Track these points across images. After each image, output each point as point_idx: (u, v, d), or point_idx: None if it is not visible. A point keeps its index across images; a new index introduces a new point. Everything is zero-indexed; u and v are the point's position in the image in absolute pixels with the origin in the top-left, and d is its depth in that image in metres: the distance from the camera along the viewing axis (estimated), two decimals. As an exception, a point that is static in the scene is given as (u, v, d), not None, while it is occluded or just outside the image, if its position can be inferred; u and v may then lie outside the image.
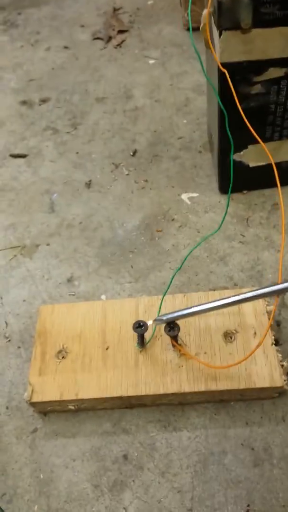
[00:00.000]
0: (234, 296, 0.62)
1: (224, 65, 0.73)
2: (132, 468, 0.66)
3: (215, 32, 0.73)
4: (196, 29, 1.39)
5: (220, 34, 0.72)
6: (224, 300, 0.63)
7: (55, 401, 0.68)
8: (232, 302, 0.62)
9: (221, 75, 0.73)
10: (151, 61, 1.29)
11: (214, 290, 0.81)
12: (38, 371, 0.71)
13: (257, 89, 0.80)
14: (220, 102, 0.76)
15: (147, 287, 0.84)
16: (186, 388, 0.67)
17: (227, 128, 0.69)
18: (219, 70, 0.74)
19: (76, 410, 0.70)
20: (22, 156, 1.10)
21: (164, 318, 0.67)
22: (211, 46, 0.73)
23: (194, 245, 0.88)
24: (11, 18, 1.54)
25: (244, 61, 0.76)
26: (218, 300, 0.64)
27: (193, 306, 0.65)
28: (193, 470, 0.65)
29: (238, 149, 0.87)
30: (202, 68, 0.71)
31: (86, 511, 0.63)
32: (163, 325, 0.69)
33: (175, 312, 0.67)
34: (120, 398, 0.68)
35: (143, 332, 0.68)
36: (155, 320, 0.68)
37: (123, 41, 1.38)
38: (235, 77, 0.76)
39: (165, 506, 0.63)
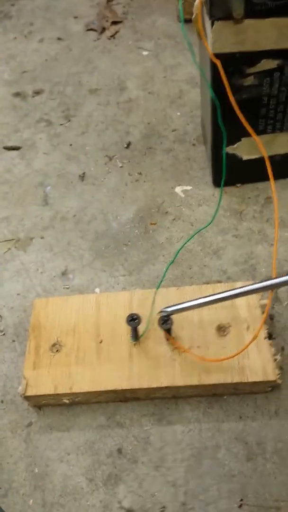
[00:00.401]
0: (239, 288, 0.61)
1: (216, 56, 0.71)
2: (126, 462, 0.65)
3: (208, 22, 0.71)
4: (188, 20, 1.37)
5: (212, 24, 0.70)
6: (230, 291, 0.62)
7: (50, 395, 0.67)
8: (238, 293, 0.61)
9: (213, 66, 0.72)
10: (145, 53, 1.27)
11: (208, 283, 0.79)
12: (32, 365, 0.70)
13: (250, 81, 0.78)
14: (212, 93, 0.74)
15: (141, 280, 0.83)
16: (180, 381, 0.66)
17: (220, 120, 0.67)
18: (211, 61, 0.72)
19: (70, 404, 0.69)
20: (16, 148, 1.07)
21: (169, 310, 0.66)
22: (203, 36, 0.70)
23: (187, 238, 0.87)
24: (4, 9, 1.50)
25: (237, 52, 0.74)
26: (223, 292, 0.63)
27: (198, 298, 0.64)
28: (187, 464, 0.64)
29: (231, 142, 0.85)
30: (193, 60, 0.69)
31: (80, 505, 0.62)
32: (157, 319, 0.68)
33: (180, 304, 0.66)
34: (114, 391, 0.67)
35: (136, 326, 0.67)
36: (160, 312, 0.67)
37: (116, 32, 1.35)
38: (228, 69, 0.74)
39: (159, 500, 0.62)
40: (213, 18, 0.69)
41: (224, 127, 0.67)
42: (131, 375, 0.67)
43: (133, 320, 0.67)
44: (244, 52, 0.74)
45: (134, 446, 0.66)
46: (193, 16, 0.69)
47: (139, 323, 0.67)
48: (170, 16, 1.37)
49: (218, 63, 0.69)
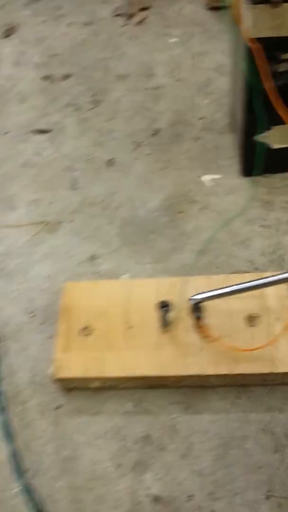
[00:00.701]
0: (269, 277, 0.59)
1: (253, 41, 0.67)
2: (154, 449, 0.62)
3: (246, 7, 0.67)
4: (217, 8, 1.31)
5: (250, 9, 0.65)
6: (260, 280, 0.59)
7: (80, 378, 0.65)
8: (268, 282, 0.59)
9: (249, 52, 0.67)
10: (173, 40, 1.22)
11: (235, 273, 0.76)
12: (63, 348, 0.67)
13: (284, 67, 0.74)
14: (249, 80, 0.70)
15: (168, 268, 0.80)
16: (209, 370, 0.64)
17: (257, 106, 0.63)
18: (246, 47, 0.68)
19: (98, 388, 0.67)
20: (45, 131, 1.04)
21: (199, 297, 0.63)
22: (243, 20, 0.66)
23: (215, 228, 0.83)
24: (34, -8, 1.44)
25: (273, 37, 0.69)
26: (253, 280, 0.60)
27: (227, 286, 0.62)
28: (214, 454, 0.62)
29: (262, 130, 0.81)
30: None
31: (108, 490, 0.60)
32: (186, 307, 0.65)
33: (210, 292, 0.63)
34: (142, 378, 0.65)
35: (167, 313, 0.64)
36: (189, 299, 0.64)
37: (144, 18, 1.30)
38: (264, 54, 0.69)
39: (186, 489, 0.60)
40: (252, 2, 0.65)
41: (255, 115, 0.63)
42: (160, 362, 0.65)
43: (164, 307, 0.64)
44: (281, 38, 0.70)
45: (161, 433, 0.63)
46: (229, 1, 0.65)
47: (169, 310, 0.64)
48: (197, 3, 1.31)
49: (257, 47, 0.65)
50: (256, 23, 0.68)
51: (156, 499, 0.59)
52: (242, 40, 0.72)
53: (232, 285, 0.64)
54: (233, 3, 0.73)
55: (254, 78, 0.68)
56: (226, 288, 0.64)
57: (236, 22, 0.74)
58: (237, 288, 0.64)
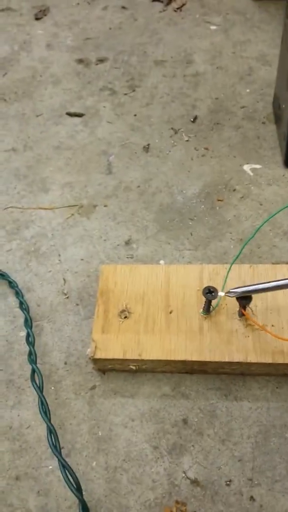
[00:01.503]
0: None
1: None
2: (191, 433, 0.66)
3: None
4: (261, -3, 1.35)
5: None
6: None
7: (118, 360, 0.69)
8: None
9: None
10: (213, 27, 1.27)
11: (277, 264, 0.80)
12: (101, 329, 0.71)
13: None
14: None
15: (207, 255, 0.84)
16: (252, 358, 0.67)
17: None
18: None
19: (136, 371, 0.71)
20: (79, 115, 1.09)
21: (239, 290, 0.66)
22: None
23: (256, 218, 0.87)
24: (67, -26, 1.51)
25: None
26: None
27: (272, 281, 0.65)
28: (254, 441, 0.65)
29: (311, 121, 0.86)
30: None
31: (144, 471, 0.64)
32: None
33: (248, 286, 0.67)
34: (183, 362, 0.68)
35: (213, 299, 0.68)
36: (228, 292, 0.67)
37: (183, 4, 1.35)
38: None
39: (225, 473, 0.63)
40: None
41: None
42: (202, 348, 0.68)
43: (209, 292, 0.68)
44: None
45: (199, 418, 0.67)
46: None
47: (215, 296, 0.68)
48: (240, -9, 1.37)
49: None
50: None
51: (194, 482, 0.62)
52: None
53: (275, 280, 0.66)
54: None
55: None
56: (268, 283, 0.66)
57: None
58: (280, 284, 0.66)
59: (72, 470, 0.61)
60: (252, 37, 1.23)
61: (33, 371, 0.69)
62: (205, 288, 0.68)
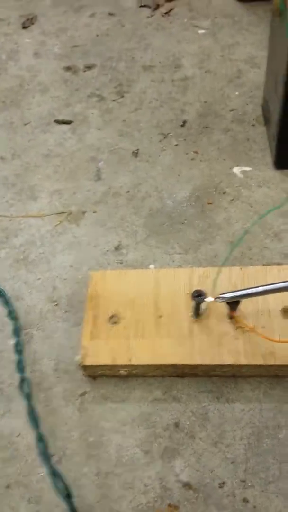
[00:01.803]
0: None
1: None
2: (183, 436, 0.67)
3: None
4: (248, 0, 1.39)
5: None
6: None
7: (108, 365, 0.70)
8: None
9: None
10: (201, 31, 1.30)
11: (268, 265, 0.82)
12: (90, 335, 0.73)
13: None
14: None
15: (197, 259, 0.85)
16: (243, 360, 0.69)
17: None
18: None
19: (126, 376, 0.72)
20: (67, 122, 1.11)
21: (228, 296, 0.68)
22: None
23: (246, 220, 0.89)
24: (54, -18, 1.54)
25: None
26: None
27: (260, 286, 0.67)
28: (247, 442, 0.66)
29: (299, 121, 0.88)
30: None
31: (136, 475, 0.65)
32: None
33: (237, 291, 0.68)
34: (174, 366, 0.70)
35: (202, 302, 0.70)
36: (216, 298, 0.69)
37: (171, 9, 1.38)
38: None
39: (217, 476, 0.64)
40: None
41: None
42: (192, 351, 0.70)
43: (199, 296, 0.69)
44: None
45: (191, 421, 0.68)
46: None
47: (203, 299, 0.70)
48: (227, -6, 1.40)
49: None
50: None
51: (187, 485, 0.64)
52: (281, 32, 0.79)
53: (263, 285, 0.68)
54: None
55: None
56: (257, 288, 0.68)
57: (277, 13, 0.81)
58: (268, 289, 0.68)
59: (62, 477, 0.62)
60: (240, 39, 1.25)
61: (22, 380, 0.71)
62: (194, 291, 0.70)
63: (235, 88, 1.13)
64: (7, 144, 1.07)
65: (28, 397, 0.70)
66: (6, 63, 1.28)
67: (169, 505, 0.62)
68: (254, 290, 0.68)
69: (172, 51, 1.25)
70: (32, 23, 1.41)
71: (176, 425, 0.68)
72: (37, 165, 1.03)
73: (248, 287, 0.69)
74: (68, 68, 1.25)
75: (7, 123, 1.12)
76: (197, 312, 0.72)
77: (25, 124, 1.12)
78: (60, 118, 1.12)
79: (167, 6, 1.39)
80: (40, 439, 0.66)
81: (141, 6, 1.41)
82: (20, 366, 0.73)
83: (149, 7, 1.40)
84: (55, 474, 0.63)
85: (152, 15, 1.38)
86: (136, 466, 0.66)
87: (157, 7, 1.40)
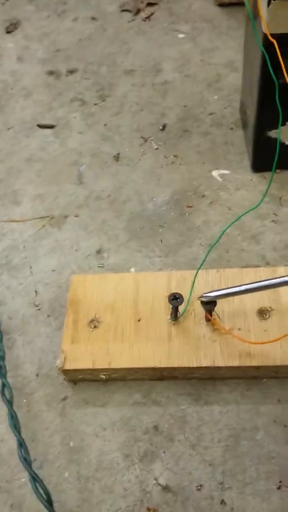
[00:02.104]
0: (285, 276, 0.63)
1: (270, 36, 0.72)
2: (162, 439, 0.66)
3: (263, 3, 0.72)
4: (227, 4, 1.37)
5: (268, 4, 0.70)
6: (277, 279, 0.63)
7: (88, 370, 0.69)
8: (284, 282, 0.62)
9: (267, 47, 0.72)
10: (181, 36, 1.27)
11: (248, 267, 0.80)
12: (70, 339, 0.71)
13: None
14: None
15: (177, 262, 0.84)
16: (220, 362, 0.67)
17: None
18: (265, 41, 0.73)
19: (106, 380, 0.71)
20: (50, 126, 1.09)
21: (211, 295, 0.67)
22: (261, 15, 0.71)
23: (225, 222, 0.88)
24: (37, -13, 1.51)
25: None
26: (269, 279, 0.64)
27: (243, 285, 0.66)
28: (225, 444, 0.65)
29: (275, 126, 0.86)
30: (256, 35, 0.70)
31: (116, 479, 0.64)
32: (197, 299, 0.69)
33: (223, 289, 0.67)
34: (152, 369, 0.68)
35: (178, 305, 0.68)
36: (200, 298, 0.68)
37: (152, 14, 1.36)
38: (280, 50, 0.74)
39: (195, 478, 0.63)
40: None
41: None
42: (170, 354, 0.69)
43: (175, 299, 0.68)
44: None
45: (170, 424, 0.67)
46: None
47: (181, 302, 0.68)
48: (207, -1, 1.38)
49: (274, 43, 0.70)
50: (273, 19, 0.72)
51: (166, 488, 0.62)
52: (258, 35, 0.77)
53: (246, 284, 0.67)
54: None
55: (269, 74, 0.72)
56: (239, 287, 0.67)
57: (252, 16, 0.79)
58: (251, 287, 0.67)
59: (43, 483, 0.60)
60: (219, 44, 1.23)
61: (3, 385, 0.69)
62: (171, 294, 0.69)
63: (214, 92, 1.12)
64: (-10, 149, 1.05)
65: (9, 402, 0.68)
66: (-10, 68, 1.25)
67: (148, 509, 0.61)
68: (237, 289, 0.66)
69: (153, 55, 1.23)
70: (16, 28, 1.38)
71: (156, 428, 0.67)
72: (20, 170, 1.01)
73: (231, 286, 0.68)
74: (51, 73, 1.22)
75: (-9, 128, 1.10)
76: (175, 315, 0.71)
77: (8, 129, 1.10)
78: (43, 122, 1.10)
79: (148, 10, 1.37)
80: (21, 444, 0.64)
81: (122, 10, 1.39)
82: (2, 372, 0.71)
83: (130, 11, 1.38)
84: (35, 480, 0.62)
85: (133, 20, 1.36)
86: (116, 470, 0.64)
87: (138, 11, 1.38)
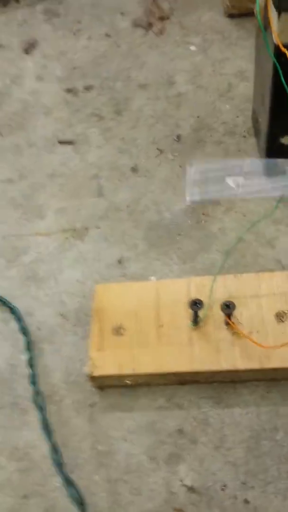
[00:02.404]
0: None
1: (281, 46, 0.72)
2: (186, 441, 0.67)
3: (273, 14, 0.72)
4: (238, 15, 1.37)
5: (279, 15, 0.70)
6: None
7: (114, 376, 0.70)
8: None
9: (279, 57, 0.72)
10: (192, 48, 1.27)
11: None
12: (97, 347, 0.72)
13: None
14: (276, 84, 0.75)
15: (195, 269, 0.84)
16: (240, 365, 0.68)
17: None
18: (276, 51, 0.72)
19: (132, 385, 0.71)
20: (70, 142, 1.10)
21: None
22: (272, 26, 0.71)
23: (240, 229, 0.88)
24: (52, 7, 1.52)
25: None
26: None
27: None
28: (246, 445, 0.65)
29: (286, 132, 0.86)
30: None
31: (143, 482, 0.65)
32: (216, 304, 0.70)
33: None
34: (175, 374, 0.69)
35: (199, 310, 0.69)
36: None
37: (163, 28, 1.36)
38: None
39: (219, 479, 0.63)
40: (281, 9, 0.70)
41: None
42: (192, 359, 0.69)
43: (196, 304, 0.69)
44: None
45: (193, 427, 0.68)
46: (257, 9, 0.70)
47: (201, 307, 0.69)
48: (216, 11, 1.37)
49: (287, 53, 0.70)
50: (284, 29, 0.72)
51: (191, 489, 0.63)
52: (269, 45, 0.77)
53: None
54: (260, 10, 0.77)
55: (281, 83, 0.72)
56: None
57: (262, 27, 0.79)
58: None
59: (76, 486, 0.61)
60: (230, 54, 1.23)
61: (36, 393, 0.71)
62: (191, 300, 0.69)
63: (226, 102, 1.12)
64: (14, 166, 1.07)
65: (42, 409, 0.70)
66: (11, 87, 1.27)
67: (175, 509, 0.61)
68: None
69: (166, 69, 1.24)
70: (34, 48, 1.40)
71: (180, 431, 0.67)
72: (43, 185, 1.02)
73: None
74: (69, 90, 1.24)
75: (14, 146, 1.11)
76: (195, 321, 0.71)
77: (31, 146, 1.11)
78: (63, 138, 1.11)
79: (160, 25, 1.37)
80: (54, 450, 0.66)
81: (135, 26, 1.40)
82: (33, 380, 0.73)
83: (142, 27, 1.39)
84: (68, 483, 0.63)
85: (146, 35, 1.36)
86: (144, 473, 0.65)
87: (150, 26, 1.38)
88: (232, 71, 1.18)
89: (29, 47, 1.40)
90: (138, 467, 0.66)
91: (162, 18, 1.39)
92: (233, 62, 1.21)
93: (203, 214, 0.92)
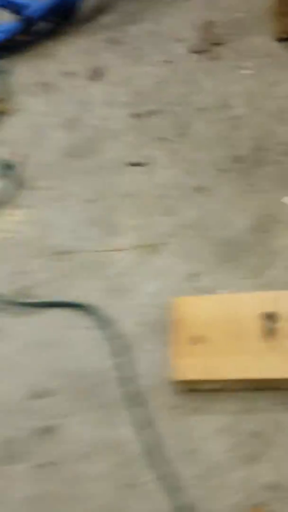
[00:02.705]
0: None
1: None
2: (264, 443, 0.69)
3: None
4: (286, 39, 1.36)
5: None
6: None
7: (195, 381, 0.73)
8: None
9: None
10: (246, 72, 1.28)
11: None
12: (178, 355, 0.75)
13: None
14: None
15: (262, 283, 0.86)
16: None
17: None
18: None
19: (211, 390, 0.74)
20: (139, 164, 1.13)
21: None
22: None
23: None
24: (115, 36, 1.55)
25: None
26: None
27: None
28: None
29: None
30: None
31: (224, 478, 0.67)
32: None
33: None
34: (251, 380, 0.71)
35: (273, 323, 0.71)
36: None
37: (218, 53, 1.37)
38: None
39: (296, 477, 0.66)
40: None
41: None
42: (268, 367, 0.71)
43: (270, 317, 0.71)
44: None
45: (270, 429, 0.70)
46: None
47: (276, 319, 0.71)
48: (266, 35, 1.37)
49: None
50: None
51: (271, 486, 0.65)
52: None
53: None
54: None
55: None
56: None
57: None
58: None
59: (171, 479, 0.65)
60: (283, 77, 1.23)
61: (129, 395, 0.74)
62: (265, 313, 0.71)
63: (281, 123, 1.12)
64: (91, 188, 1.10)
65: (134, 410, 0.73)
66: (82, 113, 1.31)
67: (253, 506, 0.64)
68: None
69: (222, 92, 1.25)
70: (101, 75, 1.43)
71: (257, 433, 0.70)
72: (117, 205, 1.06)
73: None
74: (134, 115, 1.26)
75: (88, 169, 1.15)
76: (270, 332, 0.73)
77: (102, 169, 1.15)
78: (132, 161, 1.14)
79: (214, 50, 1.38)
80: (148, 446, 0.69)
81: (191, 52, 1.41)
82: (124, 383, 0.76)
83: (198, 53, 1.40)
84: (163, 479, 0.66)
85: (201, 60, 1.37)
86: (225, 470, 0.68)
87: (205, 52, 1.39)
88: (285, 93, 1.18)
89: (95, 75, 1.43)
90: (220, 465, 0.68)
91: (216, 44, 1.40)
92: (286, 85, 1.20)
93: (265, 231, 0.93)
